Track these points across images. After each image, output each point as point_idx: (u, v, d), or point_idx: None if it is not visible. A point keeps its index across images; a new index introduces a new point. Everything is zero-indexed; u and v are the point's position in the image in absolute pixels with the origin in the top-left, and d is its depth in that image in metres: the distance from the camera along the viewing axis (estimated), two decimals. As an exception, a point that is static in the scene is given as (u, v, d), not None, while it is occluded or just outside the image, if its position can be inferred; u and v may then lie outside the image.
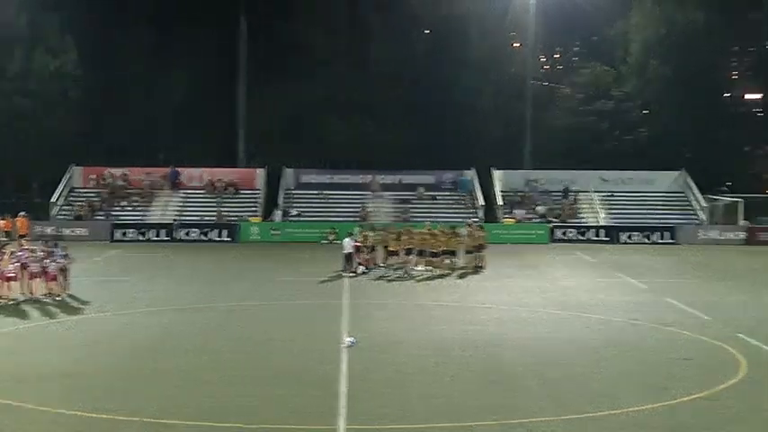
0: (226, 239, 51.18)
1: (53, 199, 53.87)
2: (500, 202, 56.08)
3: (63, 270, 29.74)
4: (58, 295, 29.14)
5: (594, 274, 38.04)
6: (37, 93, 60.35)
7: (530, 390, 18.37)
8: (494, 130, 64.89)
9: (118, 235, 50.81)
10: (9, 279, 28.71)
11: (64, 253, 30.32)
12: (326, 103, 65.23)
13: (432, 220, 46.02)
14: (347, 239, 37.18)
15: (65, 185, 55.50)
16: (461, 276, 36.22)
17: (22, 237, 44.33)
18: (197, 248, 47.81)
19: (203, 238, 51.18)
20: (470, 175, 57.96)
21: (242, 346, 22.51)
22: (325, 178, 58.39)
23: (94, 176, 56.70)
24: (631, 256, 44.83)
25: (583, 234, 52.35)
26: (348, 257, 36.69)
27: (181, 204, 55.42)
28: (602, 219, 54.85)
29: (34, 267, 29.14)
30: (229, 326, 25.55)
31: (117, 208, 54.77)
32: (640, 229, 52.55)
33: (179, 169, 57.24)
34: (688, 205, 56.82)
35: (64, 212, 53.89)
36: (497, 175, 58.09)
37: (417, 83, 65.73)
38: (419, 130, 65.10)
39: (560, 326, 25.56)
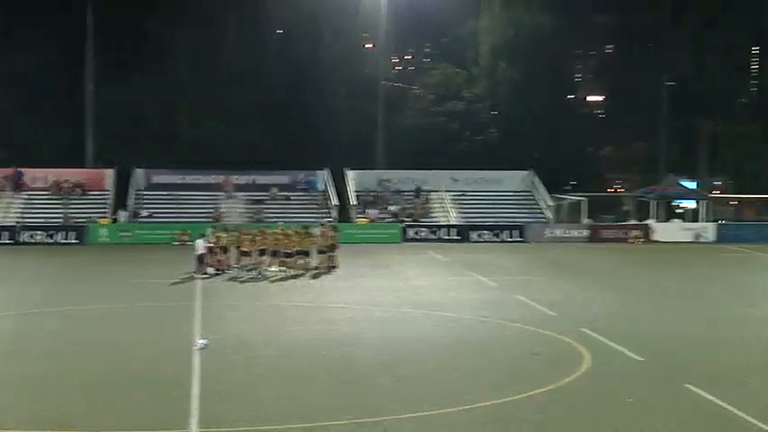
0: (73, 242, 49.72)
1: None
2: (353, 201, 56.38)
3: None
4: None
5: (446, 272, 38.64)
6: None
7: (383, 388, 18.54)
8: (347, 130, 65.17)
9: (-45, 239, 48.74)
10: None
11: None
12: (178, 101, 64.21)
13: (285, 220, 45.90)
14: (199, 241, 36.71)
15: None
16: (315, 276, 36.24)
17: None
18: (42, 251, 46.30)
19: (49, 240, 49.59)
20: (321, 175, 58.12)
21: (90, 350, 21.95)
22: (176, 179, 57.33)
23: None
24: (482, 254, 45.72)
25: (435, 233, 53.07)
26: (200, 259, 36.23)
27: (24, 206, 53.52)
28: (454, 218, 55.78)
29: None
30: (77, 330, 24.86)
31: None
32: (490, 228, 53.58)
33: (23, 170, 55.27)
34: (535, 204, 58.37)
35: None
36: (351, 175, 58.36)
37: (270, 82, 65.38)
38: (273, 130, 64.79)
39: (413, 324, 25.87)
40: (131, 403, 17.31)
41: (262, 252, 36.84)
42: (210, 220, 50.47)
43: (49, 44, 60.17)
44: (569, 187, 66.43)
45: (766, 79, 72.76)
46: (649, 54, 72.79)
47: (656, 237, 53.51)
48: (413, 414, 16.64)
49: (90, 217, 52.72)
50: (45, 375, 19.38)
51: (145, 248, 47.17)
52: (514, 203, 58.54)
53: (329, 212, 54.51)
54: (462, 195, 58.28)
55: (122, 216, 52.98)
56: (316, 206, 56.28)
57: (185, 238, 47.05)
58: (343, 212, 55.76)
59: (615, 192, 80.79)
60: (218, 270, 36.70)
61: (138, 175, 56.68)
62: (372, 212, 55.39)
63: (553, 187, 59.77)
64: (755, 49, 75.66)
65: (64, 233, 50.19)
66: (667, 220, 58.73)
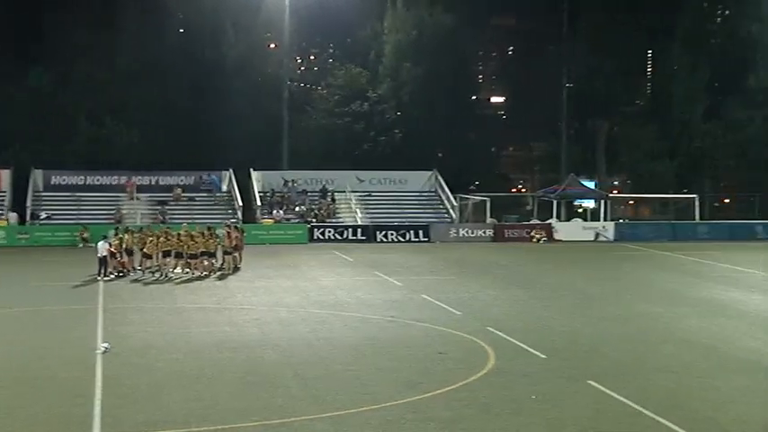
0: (-32, 245, 48.43)
1: None
2: (258, 202, 56.06)
3: None
4: None
5: (353, 272, 38.69)
6: None
7: (290, 389, 18.49)
8: (251, 130, 64.64)
9: None
10: None
11: None
12: (78, 100, 62.80)
13: (189, 221, 45.39)
14: (101, 243, 36.04)
15: None
16: (221, 278, 35.94)
17: None
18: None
19: (-58, 244, 48.20)
20: (226, 175, 57.68)
21: (-12, 357, 21.40)
22: (77, 179, 56.31)
23: None
24: (388, 254, 45.92)
25: (341, 234, 53.06)
26: (103, 261, 35.57)
27: None
28: (360, 218, 55.90)
29: None
30: (-26, 336, 24.19)
31: None
32: (396, 228, 53.85)
33: None
34: (440, 204, 58.90)
35: None
36: (256, 175, 58.05)
37: (172, 81, 64.48)
38: (176, 129, 63.87)
39: (319, 325, 25.84)
40: (33, 409, 16.92)
41: (166, 254, 36.37)
42: (112, 221, 49.65)
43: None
44: (473, 187, 67.13)
45: (660, 81, 74.61)
46: (549, 56, 74.01)
47: (558, 236, 54.47)
48: (322, 414, 16.64)
49: (-14, 220, 51.34)
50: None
51: (45, 251, 46.09)
52: (419, 203, 59.02)
53: (234, 213, 54.10)
54: (368, 196, 58.52)
55: (12, 218, 51.61)
56: (221, 207, 55.82)
57: (86, 236, 46.29)
58: (249, 213, 55.40)
59: (518, 192, 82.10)
60: (120, 272, 36.13)
61: (37, 175, 55.43)
62: (278, 213, 55.17)
63: (457, 187, 60.37)
64: (650, 52, 77.57)
65: (-43, 236, 48.81)
66: (569, 219, 59.87)
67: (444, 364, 20.82)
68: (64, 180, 56.12)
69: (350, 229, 53.54)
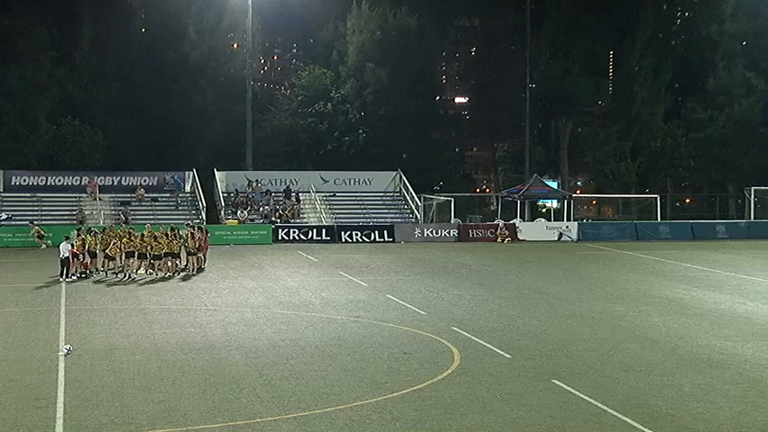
0: (-74, 247, 47.81)
1: None
2: (222, 203, 55.84)
3: None
4: None
5: (317, 273, 38.63)
6: None
7: (254, 390, 18.41)
8: (215, 131, 64.46)
9: None
10: None
11: None
12: (39, 101, 62.24)
13: (153, 222, 45.11)
14: (63, 244, 35.70)
15: None
16: (184, 279, 35.75)
17: None
18: None
19: None
20: (187, 176, 57.43)
21: (-52, 360, 21.12)
22: (38, 180, 55.81)
23: None
24: (352, 254, 45.91)
25: (306, 234, 52.93)
26: (65, 262, 35.24)
27: None
28: (324, 218, 55.83)
29: None
30: (-67, 338, 23.87)
31: None
32: (360, 229, 53.84)
33: None
34: (404, 204, 58.99)
35: None
36: (219, 176, 57.84)
37: (136, 82, 64.13)
38: (138, 130, 63.55)
39: (284, 325, 25.77)
40: (-6, 412, 16.74)
41: (129, 255, 36.12)
42: (75, 222, 49.23)
43: None
44: (438, 187, 67.32)
45: (622, 82, 75.27)
46: (513, 56, 74.36)
47: (522, 236, 54.70)
48: (288, 415, 16.59)
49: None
50: None
51: (5, 252, 45.61)
52: (384, 204, 59.07)
53: (198, 214, 53.85)
54: (332, 196, 58.49)
55: None
56: (184, 208, 55.54)
57: (42, 233, 45.99)
58: (212, 213, 55.17)
59: (482, 192, 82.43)
60: (83, 274, 35.83)
61: (-4, 176, 54.94)
62: (242, 214, 54.96)
63: (422, 187, 60.53)
64: (612, 54, 78.23)
65: None
66: (533, 219, 60.17)
67: (409, 364, 20.84)
68: (25, 181, 55.62)
69: (314, 230, 53.41)
